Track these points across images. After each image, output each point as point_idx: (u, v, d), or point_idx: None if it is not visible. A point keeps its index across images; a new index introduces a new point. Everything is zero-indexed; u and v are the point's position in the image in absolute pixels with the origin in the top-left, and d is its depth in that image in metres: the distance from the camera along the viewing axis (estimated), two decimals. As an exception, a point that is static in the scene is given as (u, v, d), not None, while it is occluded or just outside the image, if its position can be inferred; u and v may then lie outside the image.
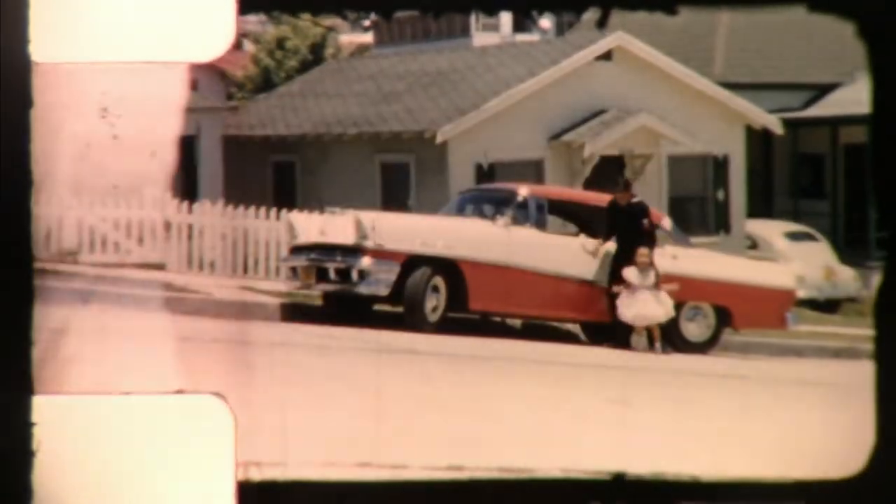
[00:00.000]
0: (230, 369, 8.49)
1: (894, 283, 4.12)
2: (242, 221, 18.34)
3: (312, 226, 14.24)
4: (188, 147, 25.57)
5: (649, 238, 13.74)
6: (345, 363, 9.68)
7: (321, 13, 4.17)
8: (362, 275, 13.18)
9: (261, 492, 4.20)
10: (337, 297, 13.68)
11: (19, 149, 3.87)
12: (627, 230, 13.70)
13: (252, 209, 18.44)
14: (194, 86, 42.96)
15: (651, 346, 13.33)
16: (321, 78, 30.49)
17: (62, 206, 17.59)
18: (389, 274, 13.15)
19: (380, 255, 13.20)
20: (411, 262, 13.19)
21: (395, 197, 23.51)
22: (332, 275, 13.40)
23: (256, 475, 4.29)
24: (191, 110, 25.77)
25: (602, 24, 4.06)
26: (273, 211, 18.50)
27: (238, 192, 23.41)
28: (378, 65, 29.98)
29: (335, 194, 23.64)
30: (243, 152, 26.78)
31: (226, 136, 26.18)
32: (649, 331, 13.36)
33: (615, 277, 13.49)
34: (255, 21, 63.40)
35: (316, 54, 43.81)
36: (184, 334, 10.98)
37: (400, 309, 13.32)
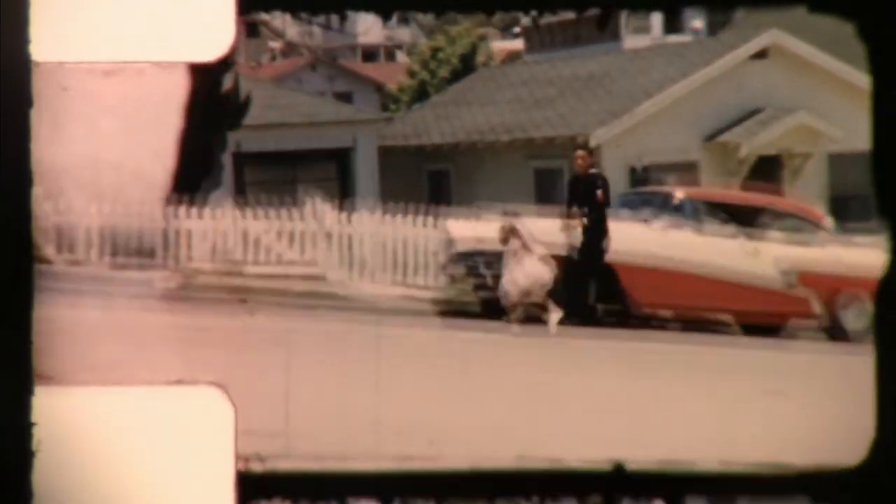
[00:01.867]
0: (391, 372, 8.67)
1: (895, 278, 4.07)
2: (400, 230, 18.62)
3: (469, 232, 14.39)
4: (345, 158, 26.06)
5: (600, 207, 13.46)
6: (502, 365, 9.80)
7: (321, 13, 4.18)
8: (521, 279, 13.26)
9: (261, 483, 4.21)
10: (494, 302, 13.80)
11: (19, 149, 3.80)
12: (584, 200, 13.53)
13: (409, 217, 18.71)
14: (350, 99, 43.72)
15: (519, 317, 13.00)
16: (473, 86, 30.72)
17: (228, 218, 18.14)
18: (548, 277, 13.21)
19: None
20: (567, 266, 13.23)
21: (549, 202, 23.56)
22: (489, 280, 13.52)
23: (256, 467, 4.33)
24: (347, 123, 26.27)
25: (603, 24, 4.06)
26: (430, 219, 18.75)
27: (395, 201, 23.78)
28: (529, 71, 30.08)
29: (490, 200, 23.80)
30: (399, 162, 27.16)
31: (382, 147, 26.58)
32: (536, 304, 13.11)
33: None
34: (408, 33, 64.08)
35: (467, 63, 44.15)
36: (346, 339, 11.24)
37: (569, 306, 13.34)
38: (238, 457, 3.87)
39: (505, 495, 4.11)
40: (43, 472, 3.79)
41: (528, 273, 13.04)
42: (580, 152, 13.91)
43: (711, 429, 7.02)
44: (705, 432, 6.82)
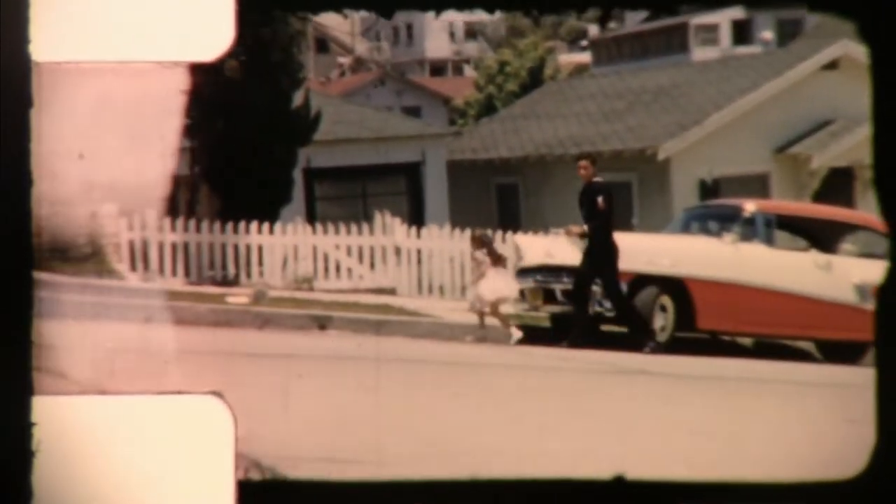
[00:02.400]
0: (465, 391, 8.66)
1: (895, 282, 4.01)
2: (469, 244, 18.64)
3: (538, 247, 14.37)
4: (415, 173, 26.14)
5: (601, 216, 13.09)
6: (577, 384, 9.75)
7: (321, 12, 4.14)
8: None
9: (261, 492, 4.18)
10: (565, 318, 13.76)
11: (19, 149, 3.82)
12: (587, 209, 13.26)
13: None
14: (418, 113, 43.86)
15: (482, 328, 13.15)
16: (541, 99, 30.70)
17: (298, 234, 18.28)
18: (616, 294, 13.15)
19: (606, 275, 13.22)
20: (637, 282, 13.17)
21: (618, 216, 23.45)
22: (559, 296, 13.49)
23: (256, 475, 4.29)
24: (416, 137, 26.37)
25: (603, 24, 4.01)
26: (499, 233, 18.75)
27: (463, 216, 23.81)
28: (597, 84, 30.01)
29: (558, 215, 23.75)
30: (467, 176, 27.20)
31: (450, 161, 26.64)
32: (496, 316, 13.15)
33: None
34: (476, 47, 64.18)
35: (535, 77, 44.14)
36: (417, 357, 11.27)
37: (627, 329, 13.32)
38: (238, 465, 3.85)
39: None
40: (45, 478, 3.81)
41: (493, 288, 13.16)
42: (582, 162, 13.66)
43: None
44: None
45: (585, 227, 13.28)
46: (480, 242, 13.64)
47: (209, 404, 3.97)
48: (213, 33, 3.91)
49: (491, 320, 13.29)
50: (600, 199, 13.16)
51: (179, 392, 3.97)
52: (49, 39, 3.79)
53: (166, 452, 3.91)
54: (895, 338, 4.00)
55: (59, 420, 3.87)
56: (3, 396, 3.81)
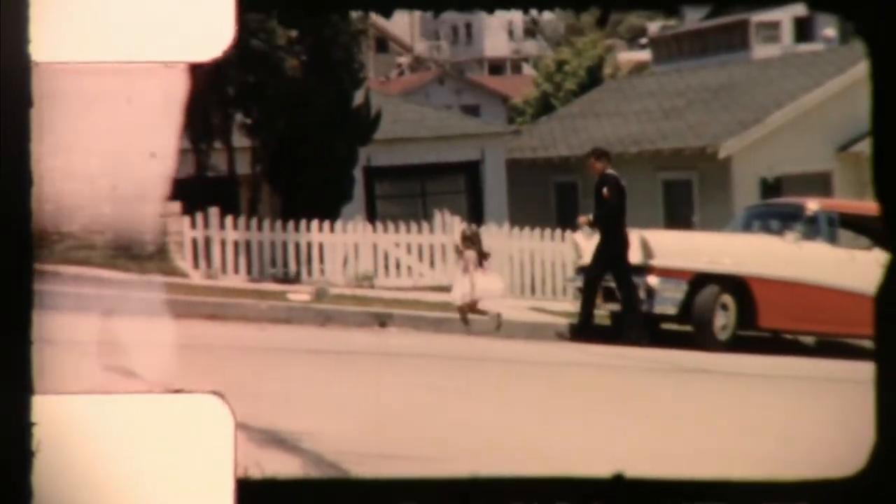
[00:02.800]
0: (523, 390, 8.69)
1: (895, 281, 3.97)
2: (528, 243, 18.67)
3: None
4: (474, 171, 26.21)
5: (606, 206, 13.20)
6: (635, 383, 9.74)
7: (321, 13, 4.12)
8: (649, 293, 13.21)
9: (260, 491, 4.16)
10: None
11: (19, 149, 3.75)
12: (596, 200, 13.43)
13: (537, 230, 18.75)
14: (477, 112, 43.91)
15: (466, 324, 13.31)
16: (600, 98, 30.65)
17: (359, 232, 18.40)
18: (677, 292, 13.14)
19: (666, 273, 13.21)
20: (698, 280, 13.13)
21: (678, 214, 23.39)
22: (618, 294, 13.48)
23: (256, 474, 4.26)
24: (475, 136, 26.43)
25: (602, 23, 4.02)
26: (557, 231, 18.77)
27: (522, 214, 23.83)
28: (657, 82, 29.91)
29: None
30: (526, 174, 27.22)
31: (509, 160, 26.68)
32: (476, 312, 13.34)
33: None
34: (535, 45, 64.13)
35: (593, 75, 44.05)
36: (477, 355, 11.32)
37: (688, 328, 13.29)
38: (237, 464, 3.86)
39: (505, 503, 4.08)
40: (44, 478, 3.79)
41: (480, 287, 13.36)
42: (591, 159, 13.85)
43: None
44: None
45: (590, 217, 13.50)
46: (472, 241, 13.76)
47: (209, 404, 3.93)
48: (214, 33, 3.85)
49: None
50: (605, 190, 13.28)
51: (179, 391, 3.97)
52: (49, 39, 3.79)
53: (166, 452, 3.89)
54: (895, 337, 3.99)
55: (59, 420, 3.84)
56: (3, 396, 3.78)
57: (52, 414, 3.81)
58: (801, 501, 4.01)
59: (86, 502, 3.85)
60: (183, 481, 3.87)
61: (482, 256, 13.73)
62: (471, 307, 13.47)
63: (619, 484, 4.00)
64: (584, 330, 13.19)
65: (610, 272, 13.10)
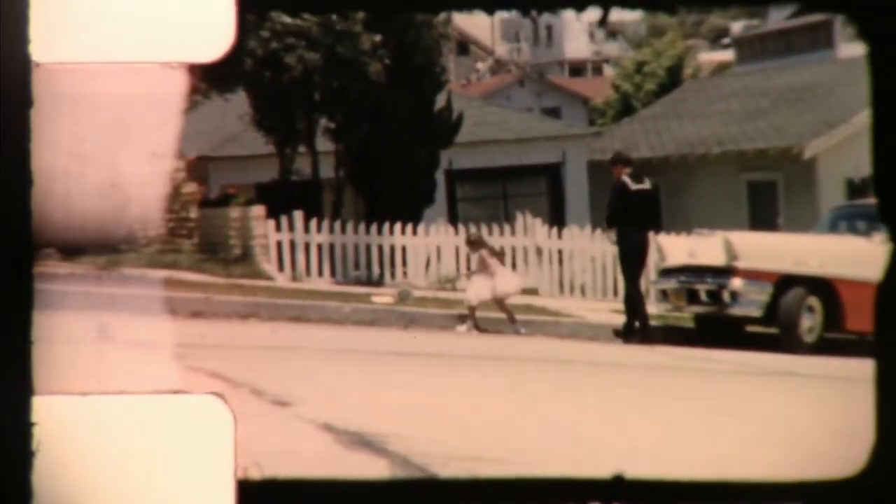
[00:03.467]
0: (607, 393, 8.68)
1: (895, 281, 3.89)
2: (610, 245, 18.60)
3: (680, 248, 14.30)
4: (555, 174, 26.17)
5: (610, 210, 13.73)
6: (722, 386, 9.68)
7: (321, 13, 4.07)
8: (734, 296, 13.13)
9: (261, 491, 4.10)
10: (709, 319, 13.68)
11: (19, 149, 3.73)
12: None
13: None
14: (557, 113, 43.81)
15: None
16: (683, 99, 30.44)
17: (441, 235, 18.46)
18: (762, 295, 13.04)
19: (751, 275, 13.12)
20: (784, 283, 13.02)
21: (762, 216, 23.16)
22: (702, 296, 13.41)
23: (256, 475, 4.21)
24: (557, 138, 26.40)
25: (602, 23, 3.97)
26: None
27: (604, 216, 23.72)
28: (741, 82, 29.62)
29: (701, 215, 23.53)
30: (608, 177, 27.08)
31: (591, 161, 26.59)
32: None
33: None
34: (615, 47, 63.84)
35: (674, 76, 43.73)
36: (560, 358, 11.32)
37: (774, 330, 13.18)
38: (237, 464, 3.84)
39: (504, 503, 4.06)
40: (44, 479, 3.78)
41: (496, 290, 13.40)
42: (612, 166, 14.10)
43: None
44: None
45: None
46: (480, 244, 13.89)
47: (209, 404, 3.91)
48: (214, 33, 3.82)
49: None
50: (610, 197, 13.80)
51: (179, 392, 3.98)
52: (49, 39, 3.77)
53: (166, 452, 3.87)
54: (894, 337, 3.94)
55: (59, 420, 3.83)
56: (3, 396, 3.77)
57: (52, 414, 3.81)
58: (801, 501, 3.98)
59: (86, 502, 3.85)
60: (183, 481, 3.86)
61: (496, 255, 13.85)
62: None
63: (619, 484, 3.98)
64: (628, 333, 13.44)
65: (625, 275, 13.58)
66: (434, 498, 4.09)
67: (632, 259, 13.44)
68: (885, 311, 4.01)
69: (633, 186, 13.61)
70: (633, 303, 13.37)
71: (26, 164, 3.76)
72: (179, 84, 3.93)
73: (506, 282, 13.65)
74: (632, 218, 13.45)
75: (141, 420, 3.89)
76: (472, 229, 15.41)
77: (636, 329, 13.30)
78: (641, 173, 14.18)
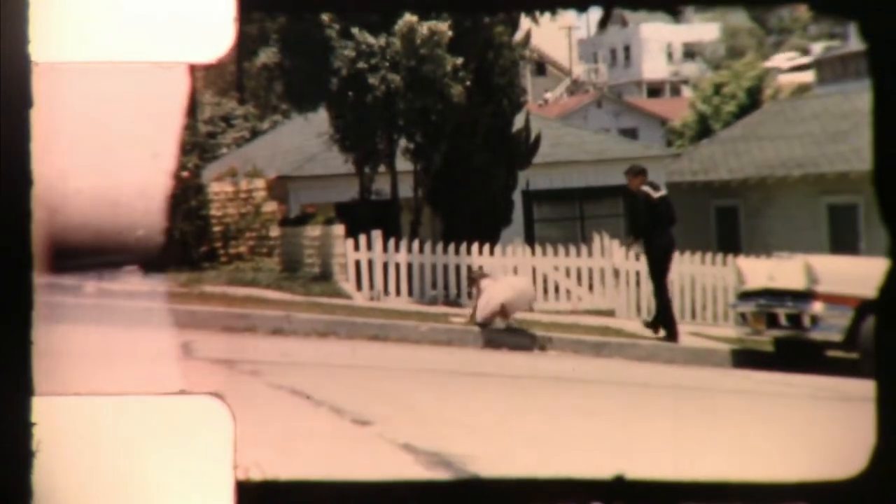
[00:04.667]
0: (685, 417, 8.65)
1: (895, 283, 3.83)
2: (689, 267, 18.50)
3: (760, 271, 14.20)
4: (632, 195, 26.05)
5: (637, 221, 14.69)
6: (803, 411, 9.60)
7: (321, 13, 4.02)
8: (814, 320, 13.00)
9: (260, 492, 4.06)
10: (788, 343, 13.55)
11: (19, 149, 3.75)
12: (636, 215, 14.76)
13: (698, 255, 18.58)
14: (635, 134, 43.67)
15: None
16: (762, 121, 30.20)
17: (518, 255, 18.49)
18: (843, 319, 12.90)
19: (832, 300, 12.99)
20: (865, 308, 12.86)
21: (843, 240, 22.89)
22: (782, 320, 13.30)
23: (256, 475, 4.17)
24: (634, 159, 26.29)
25: (603, 23, 3.93)
26: (718, 256, 18.56)
27: (682, 238, 23.60)
28: (822, 104, 29.33)
29: (780, 238, 23.33)
30: (686, 198, 26.95)
31: (669, 183, 26.45)
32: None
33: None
34: (693, 68, 63.50)
35: (753, 97, 43.41)
36: (639, 381, 11.29)
37: (855, 355, 13.03)
38: (237, 464, 3.82)
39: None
40: (45, 479, 3.80)
41: (496, 293, 13.52)
42: (629, 177, 14.82)
43: None
44: None
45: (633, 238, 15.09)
46: (478, 277, 14.13)
47: (209, 404, 3.93)
48: (214, 34, 3.84)
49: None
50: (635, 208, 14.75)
51: (179, 392, 3.98)
52: (49, 39, 3.80)
53: (166, 452, 3.89)
54: (895, 338, 3.90)
55: (59, 420, 3.86)
56: (3, 396, 3.80)
57: (52, 414, 3.83)
58: (801, 501, 3.95)
59: (86, 502, 3.86)
60: (183, 481, 3.88)
61: (482, 276, 14.10)
62: (503, 315, 13.63)
63: (620, 484, 3.97)
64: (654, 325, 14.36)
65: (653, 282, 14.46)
66: (435, 498, 4.10)
67: (661, 262, 14.33)
68: (886, 314, 3.99)
69: (655, 195, 14.36)
70: (664, 302, 14.33)
71: (26, 164, 3.77)
72: (179, 84, 3.95)
73: (500, 287, 13.81)
74: (658, 224, 14.23)
75: (141, 420, 3.89)
76: (479, 268, 15.57)
77: (660, 325, 14.24)
78: (655, 182, 15.01)
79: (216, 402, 3.95)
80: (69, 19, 3.83)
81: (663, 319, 14.19)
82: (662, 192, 14.57)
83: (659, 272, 14.32)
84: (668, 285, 14.87)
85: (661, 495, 4.02)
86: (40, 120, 3.83)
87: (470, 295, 14.77)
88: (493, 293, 13.56)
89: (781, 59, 54.21)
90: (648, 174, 15.10)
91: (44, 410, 3.84)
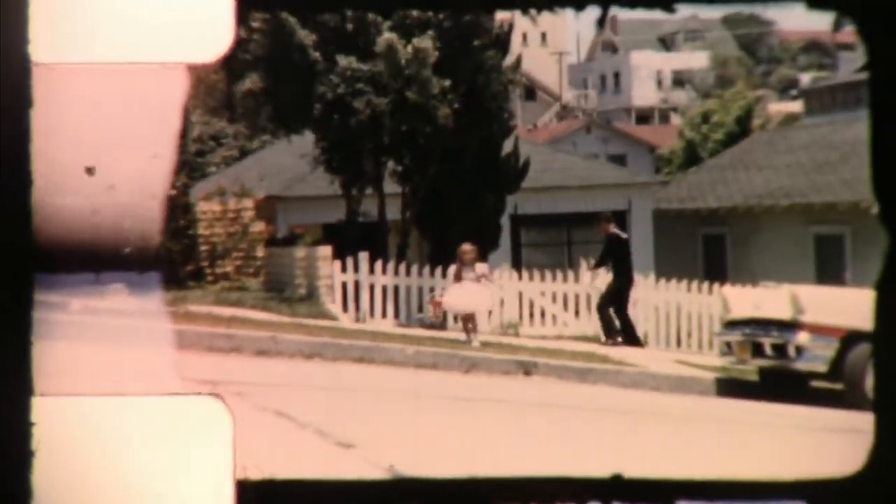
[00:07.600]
0: (671, 444, 8.64)
1: (894, 281, 3.84)
2: (674, 294, 18.53)
3: (746, 299, 14.19)
4: (620, 221, 26.09)
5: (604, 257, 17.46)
6: (792, 441, 9.60)
7: (321, 12, 4.02)
8: (799, 350, 12.99)
9: (260, 492, 4.05)
10: (773, 373, 13.54)
11: (19, 149, 3.75)
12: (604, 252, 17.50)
13: (684, 282, 18.60)
14: (623, 160, 43.79)
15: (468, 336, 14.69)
16: (750, 149, 30.31)
17: (505, 279, 18.49)
18: (828, 350, 12.89)
19: (817, 330, 12.99)
20: (850, 338, 12.86)
21: (829, 269, 22.95)
22: (767, 350, 13.29)
23: (256, 475, 4.16)
24: (622, 186, 26.37)
25: (601, 23, 3.95)
26: (704, 284, 18.58)
27: (668, 265, 23.65)
28: (810, 134, 29.46)
29: (767, 267, 23.38)
30: (673, 225, 27.02)
31: (656, 210, 26.52)
32: (465, 322, 14.76)
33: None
34: (682, 96, 63.77)
35: (742, 126, 43.58)
36: (624, 408, 11.28)
37: (839, 386, 13.02)
38: (237, 464, 3.81)
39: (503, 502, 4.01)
40: (45, 479, 3.79)
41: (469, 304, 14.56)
42: (602, 223, 17.60)
43: None
44: None
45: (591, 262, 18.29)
46: (472, 261, 14.97)
47: (209, 405, 3.92)
48: (213, 34, 3.83)
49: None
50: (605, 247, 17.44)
51: (179, 392, 3.97)
52: (49, 39, 3.80)
53: (166, 452, 3.88)
54: (894, 338, 3.90)
55: (59, 420, 3.85)
56: (3, 396, 3.79)
57: (52, 414, 3.83)
58: (800, 500, 3.94)
59: (85, 502, 3.86)
60: (183, 482, 3.87)
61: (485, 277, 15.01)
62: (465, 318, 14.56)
63: (618, 483, 3.95)
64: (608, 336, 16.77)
65: (614, 304, 16.90)
66: (434, 498, 4.08)
67: (623, 293, 17.03)
68: (883, 313, 3.99)
69: (623, 236, 17.63)
70: (627, 318, 16.99)
71: (26, 164, 3.77)
72: (179, 84, 3.93)
73: (476, 298, 14.67)
74: (627, 258, 17.17)
75: (140, 421, 3.89)
76: (467, 245, 15.66)
77: (618, 332, 16.75)
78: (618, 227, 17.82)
79: (216, 402, 3.95)
80: (69, 19, 3.83)
81: (627, 333, 16.79)
82: (625, 235, 17.98)
83: (621, 300, 16.99)
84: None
85: (659, 494, 4.00)
86: (40, 120, 3.84)
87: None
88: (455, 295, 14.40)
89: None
90: (634, 202, 15.76)
91: (44, 410, 3.84)
